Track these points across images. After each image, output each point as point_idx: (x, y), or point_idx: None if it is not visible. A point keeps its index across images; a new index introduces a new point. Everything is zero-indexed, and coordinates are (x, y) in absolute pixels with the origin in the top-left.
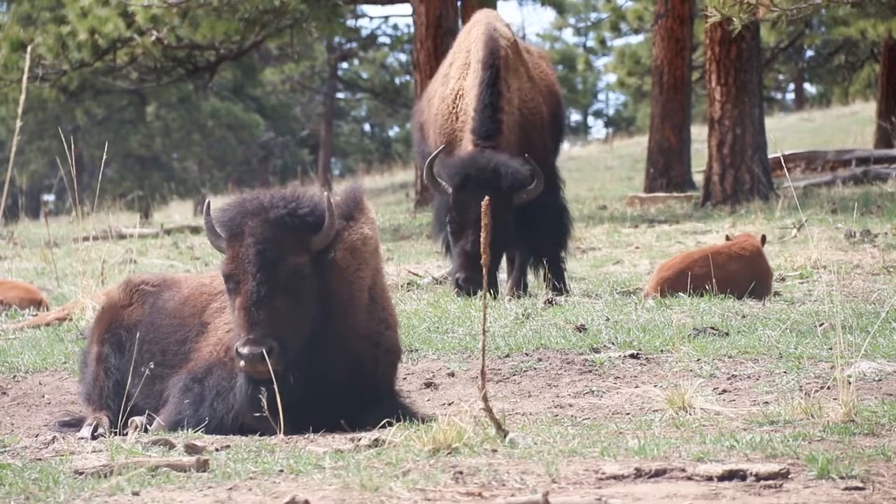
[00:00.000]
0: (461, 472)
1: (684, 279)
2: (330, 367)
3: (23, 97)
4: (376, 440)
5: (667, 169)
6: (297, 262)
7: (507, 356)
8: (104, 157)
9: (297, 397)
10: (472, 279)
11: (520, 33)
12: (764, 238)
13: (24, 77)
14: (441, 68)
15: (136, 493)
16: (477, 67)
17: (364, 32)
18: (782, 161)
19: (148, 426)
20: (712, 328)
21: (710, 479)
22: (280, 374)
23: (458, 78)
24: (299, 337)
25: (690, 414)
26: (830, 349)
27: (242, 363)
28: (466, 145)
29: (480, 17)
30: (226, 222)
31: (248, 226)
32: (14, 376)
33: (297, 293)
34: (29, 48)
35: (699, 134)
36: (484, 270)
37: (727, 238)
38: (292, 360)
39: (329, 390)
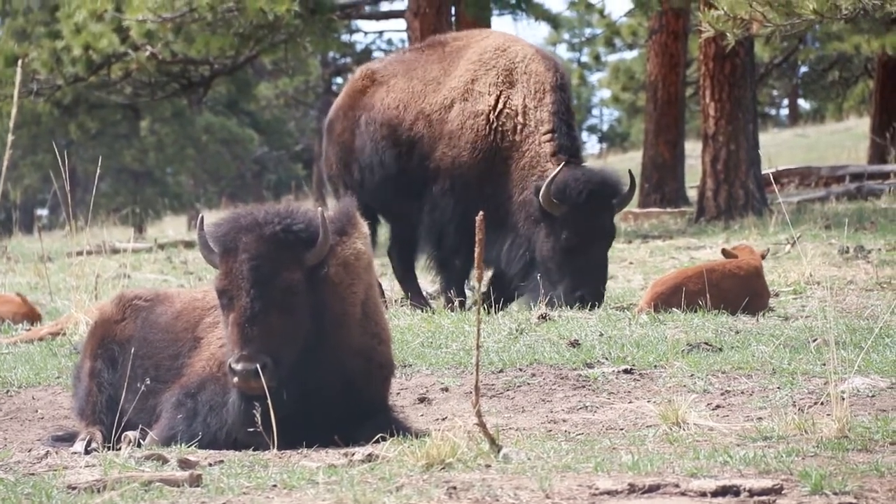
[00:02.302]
0: (455, 488)
1: (678, 295)
2: (323, 381)
3: (14, 111)
4: (370, 455)
5: (661, 184)
6: (291, 278)
7: (501, 371)
8: (98, 171)
9: (289, 412)
10: (602, 294)
11: None
12: (767, 252)
13: (16, 91)
14: (413, 84)
15: None
16: (542, 88)
17: (359, 47)
18: (775, 177)
19: (141, 441)
20: (706, 344)
21: (703, 494)
22: (273, 390)
23: (496, 95)
24: (293, 352)
25: (684, 429)
26: (824, 365)
27: (236, 379)
28: (544, 164)
29: (508, 36)
30: (219, 237)
31: (241, 241)
32: (7, 391)
33: (291, 309)
34: (20, 62)
35: (693, 149)
36: (477, 285)
37: (723, 252)
38: (286, 376)
39: (322, 405)
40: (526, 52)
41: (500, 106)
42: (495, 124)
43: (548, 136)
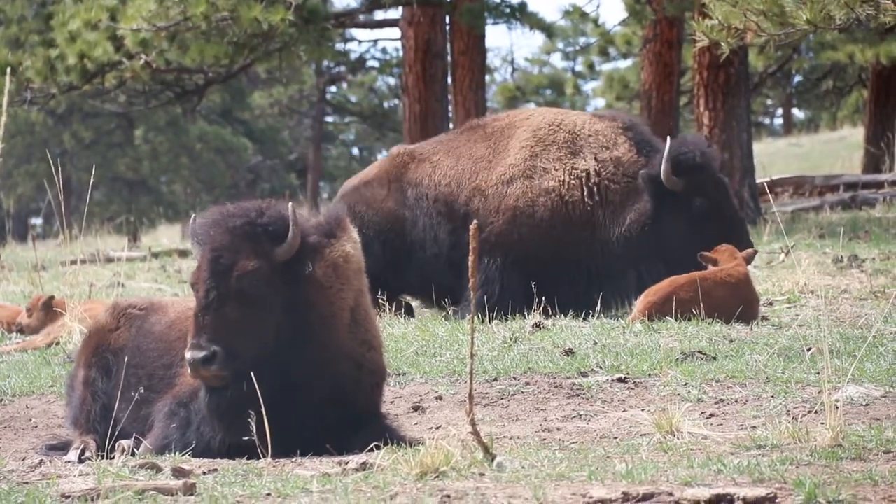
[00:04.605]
0: (448, 496)
1: (671, 303)
2: (311, 384)
3: (3, 119)
4: (364, 464)
5: None
6: (248, 268)
7: (495, 380)
8: (92, 180)
9: (265, 407)
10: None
11: (508, 58)
12: (755, 253)
13: (4, 100)
14: (461, 163)
15: None
16: (612, 136)
17: (353, 56)
18: (769, 186)
19: (135, 450)
20: (700, 352)
21: (697, 503)
22: (229, 381)
23: (563, 170)
24: (253, 345)
25: (678, 438)
26: (818, 374)
27: (188, 369)
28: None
29: (556, 111)
30: (197, 233)
31: (208, 234)
32: (1, 400)
33: (251, 301)
34: (9, 70)
35: None
36: (472, 294)
37: (700, 256)
38: (243, 367)
39: (313, 410)
40: (583, 118)
41: (567, 178)
42: (567, 197)
43: (633, 157)
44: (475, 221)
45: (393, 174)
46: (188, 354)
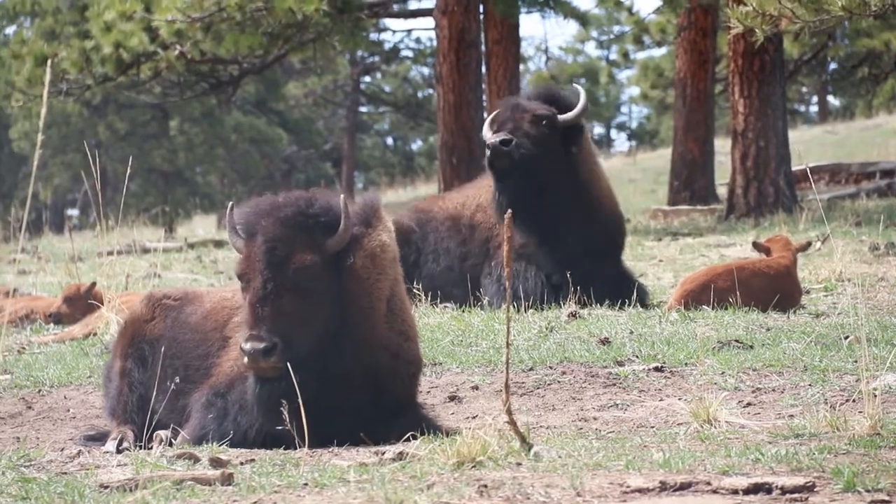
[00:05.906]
0: (486, 486)
1: (708, 292)
2: (349, 375)
3: (44, 111)
4: (401, 453)
5: (690, 182)
6: (307, 261)
7: (531, 369)
8: (128, 171)
9: (315, 405)
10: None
11: (542, 47)
12: (808, 245)
13: (45, 91)
14: (466, 192)
15: None
16: None
17: (387, 46)
18: (807, 174)
19: (173, 440)
20: (737, 341)
21: (735, 492)
22: (284, 373)
23: None
24: (308, 337)
25: (715, 427)
26: (855, 362)
27: (246, 360)
28: None
29: None
30: (242, 223)
31: (260, 225)
32: (39, 390)
33: (307, 293)
34: (49, 62)
35: (723, 146)
36: (507, 284)
37: (754, 244)
38: (299, 360)
39: (350, 401)
40: None
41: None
42: None
43: None
44: (509, 211)
45: (414, 208)
46: (247, 345)
